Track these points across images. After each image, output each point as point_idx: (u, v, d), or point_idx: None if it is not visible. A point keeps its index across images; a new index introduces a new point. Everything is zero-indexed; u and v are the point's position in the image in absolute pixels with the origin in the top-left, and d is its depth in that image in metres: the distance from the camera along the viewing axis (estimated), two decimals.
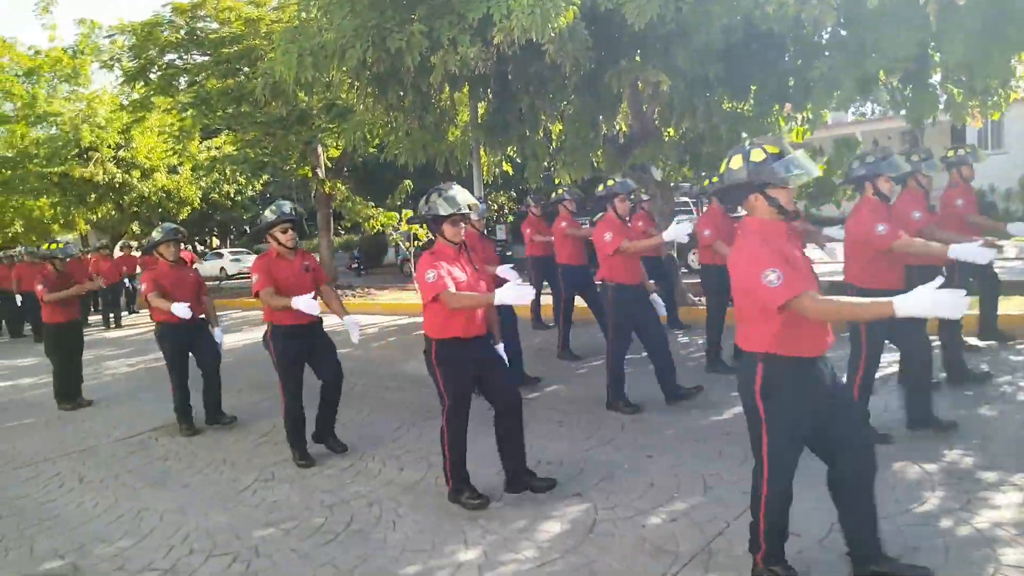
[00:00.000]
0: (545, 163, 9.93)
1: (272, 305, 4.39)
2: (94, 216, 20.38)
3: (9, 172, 17.94)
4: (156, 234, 5.66)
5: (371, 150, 17.92)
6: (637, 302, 5.18)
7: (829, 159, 9.34)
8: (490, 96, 8.71)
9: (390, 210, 13.22)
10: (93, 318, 13.73)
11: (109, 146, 16.32)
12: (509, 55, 6.58)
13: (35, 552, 3.73)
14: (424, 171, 18.06)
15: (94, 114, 16.29)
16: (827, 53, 7.01)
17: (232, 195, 19.36)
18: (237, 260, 22.33)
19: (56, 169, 15.84)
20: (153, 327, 5.79)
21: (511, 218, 23.37)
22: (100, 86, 17.63)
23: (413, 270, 14.04)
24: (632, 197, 5.29)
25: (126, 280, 12.84)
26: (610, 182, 5.31)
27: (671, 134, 9.43)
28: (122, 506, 4.25)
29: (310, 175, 15.33)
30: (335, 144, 15.34)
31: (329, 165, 15.36)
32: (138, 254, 14.27)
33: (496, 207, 25.71)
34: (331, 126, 11.92)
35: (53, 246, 7.18)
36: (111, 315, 12.64)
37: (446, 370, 3.66)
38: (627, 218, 5.30)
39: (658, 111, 8.98)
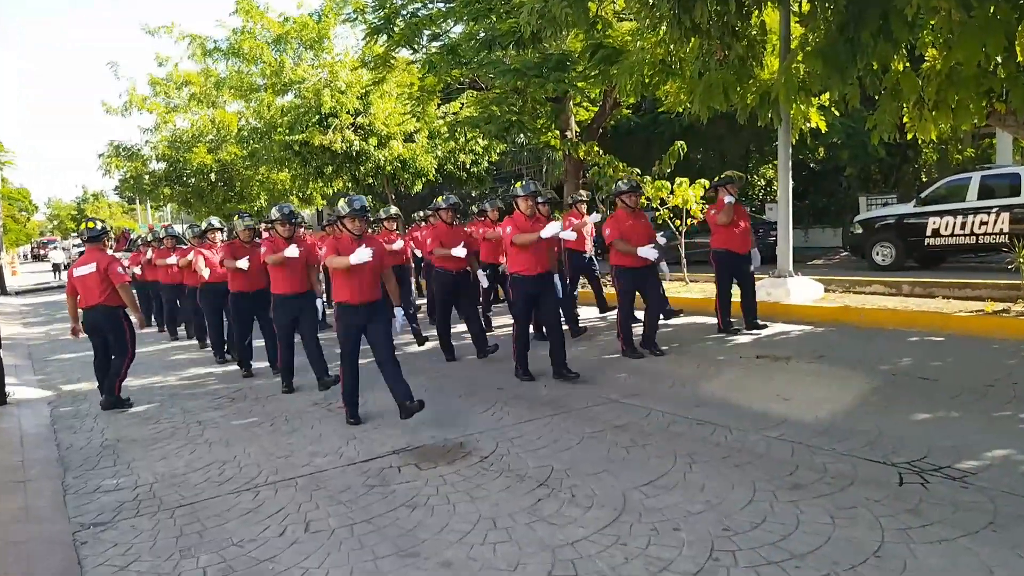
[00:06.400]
0: (907, 106, 7.57)
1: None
2: (330, 190, 21.38)
3: (258, 144, 19.28)
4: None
5: (624, 112, 16.69)
6: None
7: None
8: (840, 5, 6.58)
9: (658, 179, 11.59)
10: None
11: (348, 112, 16.63)
12: None
13: None
14: (692, 130, 16.49)
15: (335, 78, 16.69)
16: None
17: (468, 166, 19.02)
18: None
19: (297, 137, 16.47)
20: None
21: None
22: (342, 49, 18.10)
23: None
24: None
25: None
26: None
27: None
28: None
29: (554, 141, 14.22)
30: (590, 101, 14.05)
31: (576, 129, 14.16)
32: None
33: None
34: (594, 74, 10.58)
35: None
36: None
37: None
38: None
39: None
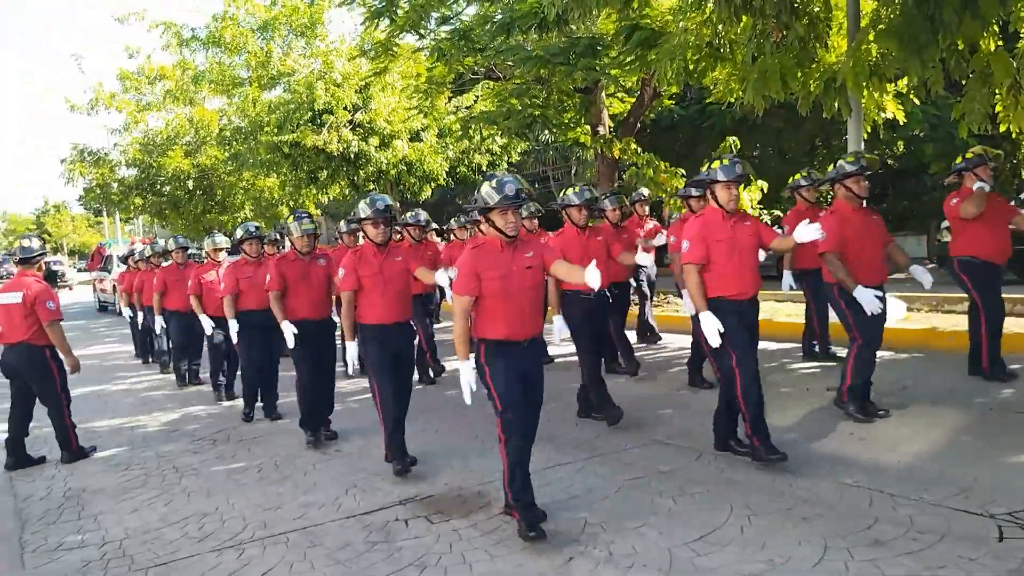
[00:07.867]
0: (1000, 92, 7.58)
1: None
2: (325, 198, 21.66)
3: (241, 145, 19.59)
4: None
5: (666, 103, 16.75)
6: None
7: None
8: None
9: None
10: None
11: (345, 108, 16.88)
12: None
13: None
14: (747, 122, 16.48)
15: (330, 69, 16.97)
16: None
17: (484, 168, 19.23)
18: None
19: (287, 137, 16.72)
20: None
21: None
22: (337, 36, 18.43)
23: None
24: None
25: None
26: None
27: None
28: None
29: (584, 138, 14.30)
30: (625, 91, 14.13)
31: (610, 124, 14.24)
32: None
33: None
34: (630, 59, 10.66)
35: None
36: None
37: None
38: None
39: None
